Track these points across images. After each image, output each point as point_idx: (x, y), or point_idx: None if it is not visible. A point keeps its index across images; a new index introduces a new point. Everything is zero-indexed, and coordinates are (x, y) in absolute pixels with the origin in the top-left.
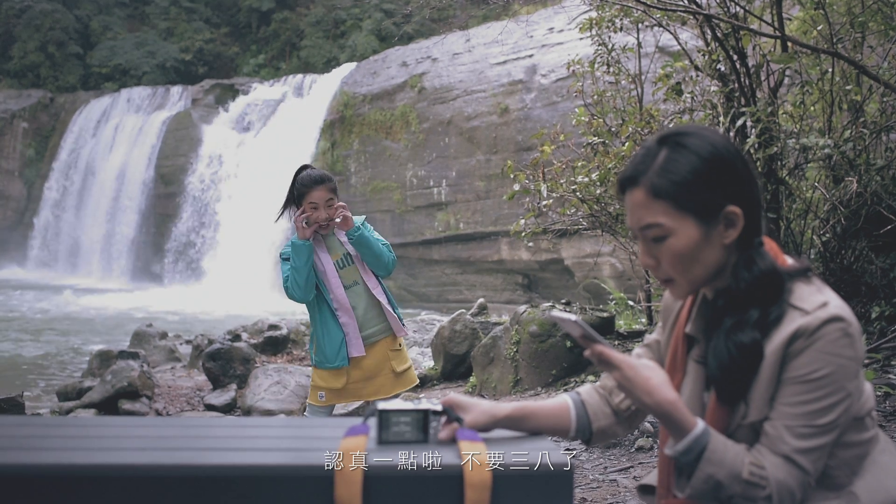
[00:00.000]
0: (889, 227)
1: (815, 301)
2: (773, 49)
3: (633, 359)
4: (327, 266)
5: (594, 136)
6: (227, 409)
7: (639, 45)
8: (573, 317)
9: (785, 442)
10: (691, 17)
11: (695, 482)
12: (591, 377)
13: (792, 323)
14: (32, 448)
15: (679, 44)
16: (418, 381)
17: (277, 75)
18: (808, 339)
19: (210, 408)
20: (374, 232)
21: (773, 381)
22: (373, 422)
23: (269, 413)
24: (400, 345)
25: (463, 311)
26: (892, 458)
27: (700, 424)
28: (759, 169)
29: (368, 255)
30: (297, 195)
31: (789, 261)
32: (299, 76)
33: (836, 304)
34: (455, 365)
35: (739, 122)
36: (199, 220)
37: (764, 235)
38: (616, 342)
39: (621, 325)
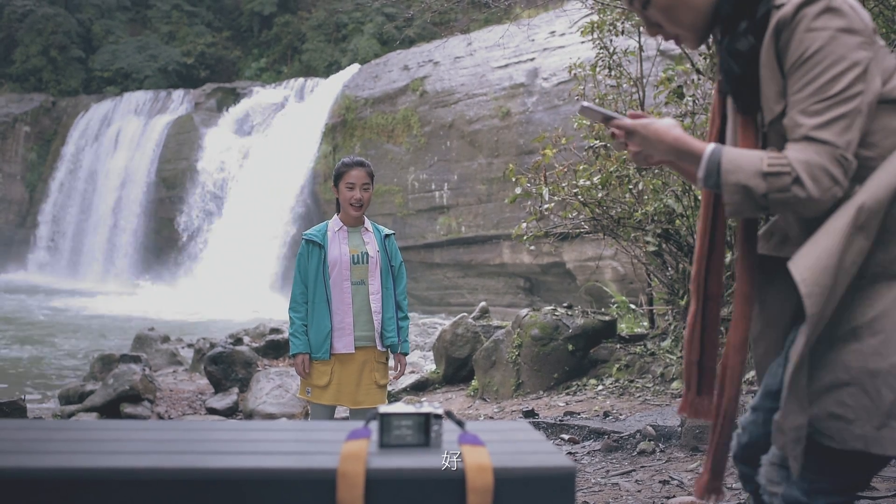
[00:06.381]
0: None
1: None
2: None
3: (644, 119)
4: (343, 258)
5: (596, 139)
6: (229, 412)
7: (640, 48)
8: (586, 103)
9: (800, 125)
10: None
11: (726, 197)
12: (592, 380)
13: (774, 20)
14: (34, 451)
15: (680, 47)
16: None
17: (279, 79)
18: (790, 26)
19: (212, 411)
20: (399, 260)
21: (774, 77)
22: (374, 425)
23: (271, 417)
24: (386, 359)
25: (465, 314)
26: None
27: (711, 145)
28: None
29: None
30: (336, 175)
31: None
32: (301, 80)
33: None
34: (457, 368)
35: None
36: (201, 223)
37: None
38: (618, 346)
39: (623, 328)
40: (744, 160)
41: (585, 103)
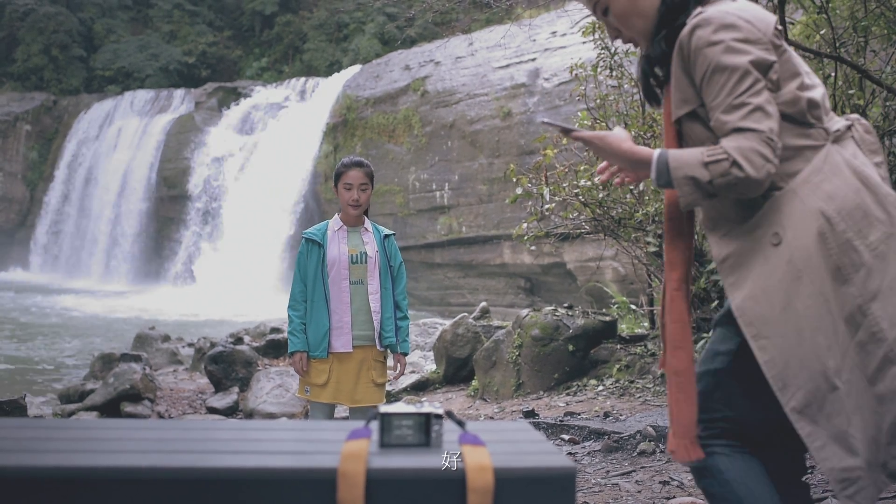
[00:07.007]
0: None
1: (694, 13)
2: None
3: (600, 132)
4: (342, 257)
5: None
6: (229, 412)
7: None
8: (546, 118)
9: (725, 122)
10: None
11: (679, 190)
12: (592, 381)
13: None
14: (35, 450)
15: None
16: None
17: (280, 79)
18: (689, 46)
19: (212, 411)
20: (400, 261)
21: (679, 84)
22: (375, 425)
23: (272, 416)
24: (385, 358)
25: (465, 314)
26: (828, 178)
27: (657, 150)
28: None
29: None
30: (336, 175)
31: None
32: (302, 79)
33: (709, 12)
34: (457, 368)
35: None
36: (201, 222)
37: None
38: (618, 346)
39: (623, 328)
40: (686, 156)
41: (546, 119)
